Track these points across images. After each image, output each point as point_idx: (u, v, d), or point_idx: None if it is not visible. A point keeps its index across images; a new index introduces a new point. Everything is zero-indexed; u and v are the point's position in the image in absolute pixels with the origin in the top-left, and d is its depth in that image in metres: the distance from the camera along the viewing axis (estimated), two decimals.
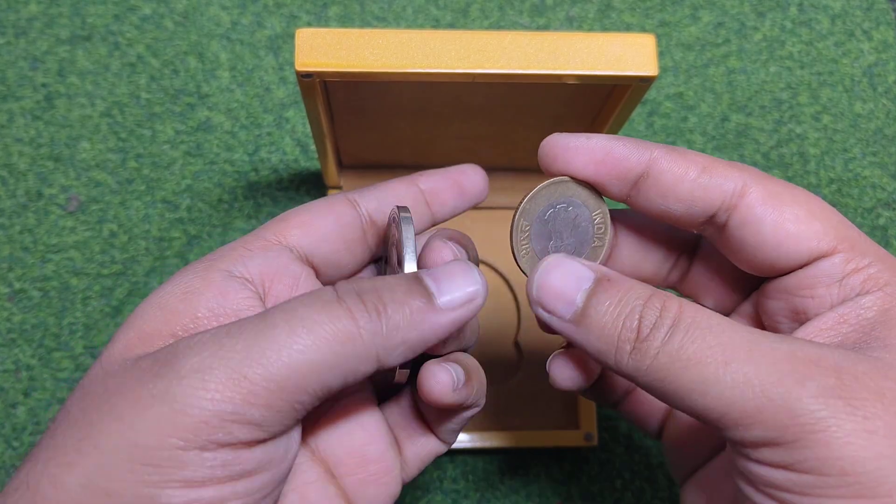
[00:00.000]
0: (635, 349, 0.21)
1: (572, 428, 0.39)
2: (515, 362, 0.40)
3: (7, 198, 0.42)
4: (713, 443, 0.26)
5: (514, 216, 0.24)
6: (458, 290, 0.22)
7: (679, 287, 0.27)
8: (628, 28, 0.47)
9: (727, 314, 0.26)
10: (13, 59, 0.44)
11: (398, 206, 0.24)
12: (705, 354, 0.20)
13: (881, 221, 0.44)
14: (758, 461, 0.20)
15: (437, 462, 0.39)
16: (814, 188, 0.45)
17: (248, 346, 0.20)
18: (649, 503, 0.39)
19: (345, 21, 0.46)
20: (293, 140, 0.44)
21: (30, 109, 0.44)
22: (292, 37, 0.45)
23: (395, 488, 0.25)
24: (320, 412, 0.25)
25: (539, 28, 0.47)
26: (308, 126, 0.43)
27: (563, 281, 0.22)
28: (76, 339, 0.40)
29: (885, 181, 0.45)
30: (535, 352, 0.40)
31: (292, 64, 0.41)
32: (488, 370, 0.40)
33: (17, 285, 0.41)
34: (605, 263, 0.26)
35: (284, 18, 0.46)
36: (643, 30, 0.47)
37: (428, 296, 0.21)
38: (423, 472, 0.39)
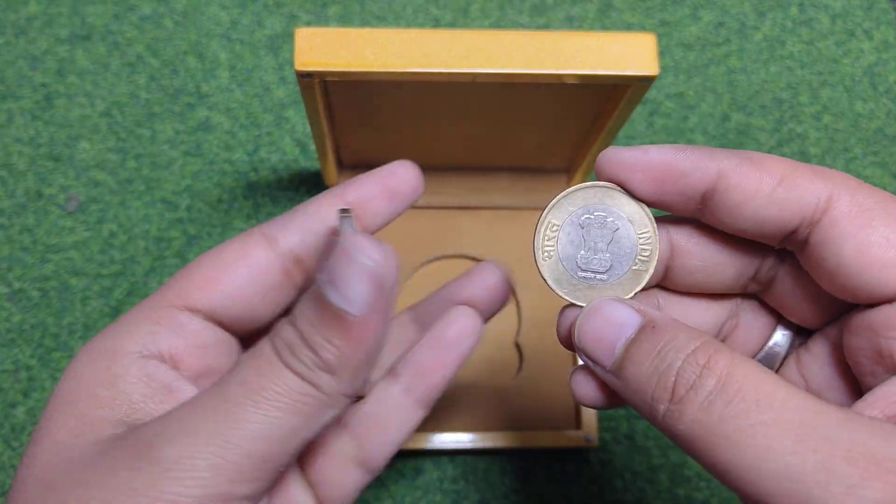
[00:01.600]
0: (669, 410, 0.18)
1: (573, 428, 0.39)
2: (515, 363, 0.40)
3: (6, 198, 0.42)
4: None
5: (542, 213, 0.22)
6: (360, 286, 0.19)
7: (762, 297, 0.24)
8: (629, 27, 0.47)
9: (810, 334, 0.24)
10: (12, 59, 0.44)
11: (340, 211, 0.21)
12: (746, 434, 0.17)
13: None
14: None
15: (437, 462, 0.39)
16: None
17: (222, 430, 0.19)
18: None
19: (345, 21, 0.46)
20: (293, 140, 0.44)
21: (29, 109, 0.43)
22: (292, 36, 0.45)
23: None
24: None
25: (539, 27, 0.47)
26: (308, 126, 0.42)
27: (606, 327, 0.21)
28: (75, 339, 0.40)
29: (886, 181, 0.45)
30: (535, 352, 0.40)
31: (292, 64, 0.41)
32: (488, 370, 0.40)
33: (17, 285, 0.41)
34: (661, 280, 0.23)
35: (284, 18, 0.46)
36: (644, 29, 0.47)
37: (340, 317, 0.19)
38: (423, 473, 0.39)
